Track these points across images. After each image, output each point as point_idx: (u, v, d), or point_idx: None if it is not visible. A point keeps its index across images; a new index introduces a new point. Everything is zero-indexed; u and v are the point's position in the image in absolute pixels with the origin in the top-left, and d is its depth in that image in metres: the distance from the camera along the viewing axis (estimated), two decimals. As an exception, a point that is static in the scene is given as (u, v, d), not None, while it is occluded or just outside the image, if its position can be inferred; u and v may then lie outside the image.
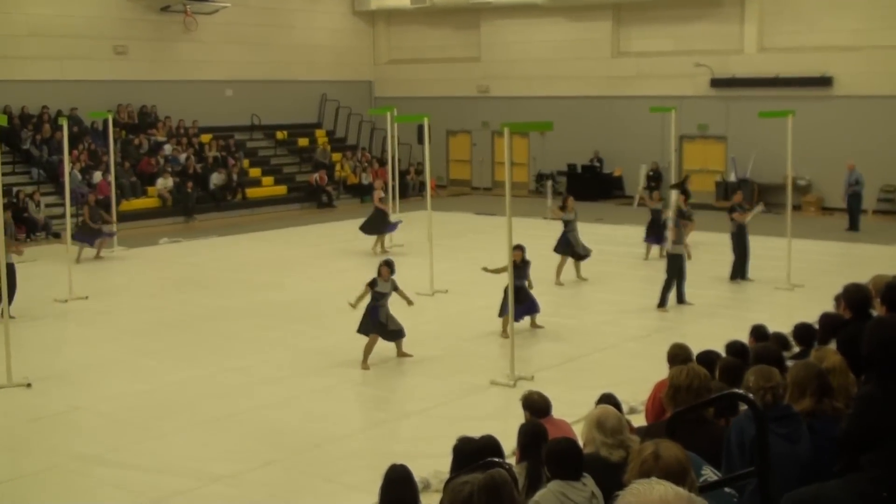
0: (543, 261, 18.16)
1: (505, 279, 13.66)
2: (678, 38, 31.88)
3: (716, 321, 15.52)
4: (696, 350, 8.62)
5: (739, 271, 18.92)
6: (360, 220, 23.82)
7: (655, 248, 21.19)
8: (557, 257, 19.01)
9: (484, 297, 17.36)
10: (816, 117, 27.85)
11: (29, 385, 12.84)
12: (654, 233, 21.25)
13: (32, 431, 11.30)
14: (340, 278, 20.09)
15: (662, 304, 16.53)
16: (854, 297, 7.55)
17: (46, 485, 9.82)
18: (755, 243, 19.38)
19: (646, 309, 16.73)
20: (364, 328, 13.68)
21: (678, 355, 8.20)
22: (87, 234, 21.94)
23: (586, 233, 19.60)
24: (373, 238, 23.19)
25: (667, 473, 3.68)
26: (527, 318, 15.30)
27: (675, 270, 16.62)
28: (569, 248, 18.97)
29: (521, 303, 14.36)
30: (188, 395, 12.48)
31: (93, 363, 14.12)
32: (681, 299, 16.86)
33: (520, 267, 14.53)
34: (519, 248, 14.57)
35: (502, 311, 14.62)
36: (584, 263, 19.29)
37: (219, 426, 11.31)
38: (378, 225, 23.14)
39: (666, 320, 16.03)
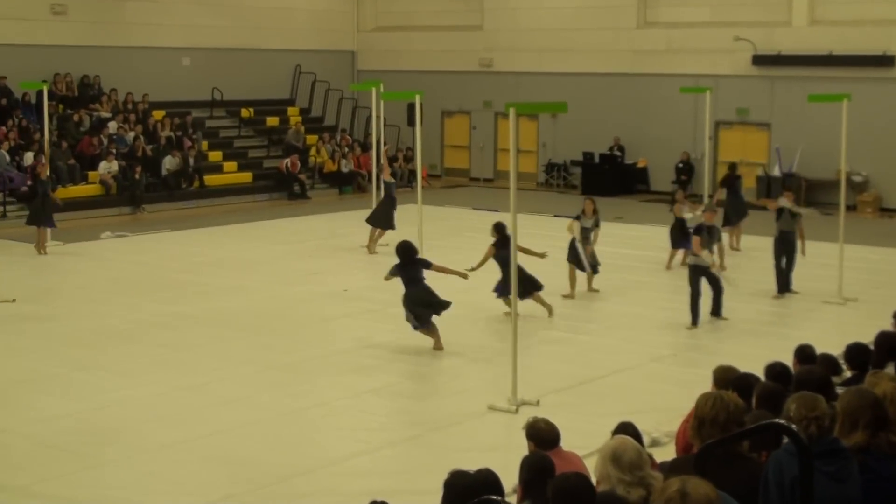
0: (555, 266, 18.19)
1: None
2: (715, 7, 31.93)
3: (755, 340, 15.54)
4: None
5: (783, 283, 18.83)
6: (339, 214, 23.87)
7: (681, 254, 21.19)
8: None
9: (482, 308, 17.38)
10: (876, 102, 27.93)
11: (-55, 402, 12.83)
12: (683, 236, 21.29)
13: (-51, 457, 11.30)
14: (315, 282, 20.12)
15: (693, 321, 16.55)
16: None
17: (-36, 520, 9.81)
18: (806, 249, 19.38)
19: (672, 324, 16.76)
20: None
21: (728, 379, 8.22)
22: (48, 217, 22.18)
23: (603, 233, 19.58)
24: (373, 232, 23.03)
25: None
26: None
27: (696, 283, 16.58)
28: (575, 259, 18.78)
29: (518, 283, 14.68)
30: (133, 418, 12.46)
31: (20, 378, 14.08)
32: (715, 311, 16.92)
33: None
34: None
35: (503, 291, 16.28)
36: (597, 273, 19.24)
37: (169, 454, 11.30)
38: (388, 217, 22.89)
39: (695, 338, 16.07)
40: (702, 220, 17.34)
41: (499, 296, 16.99)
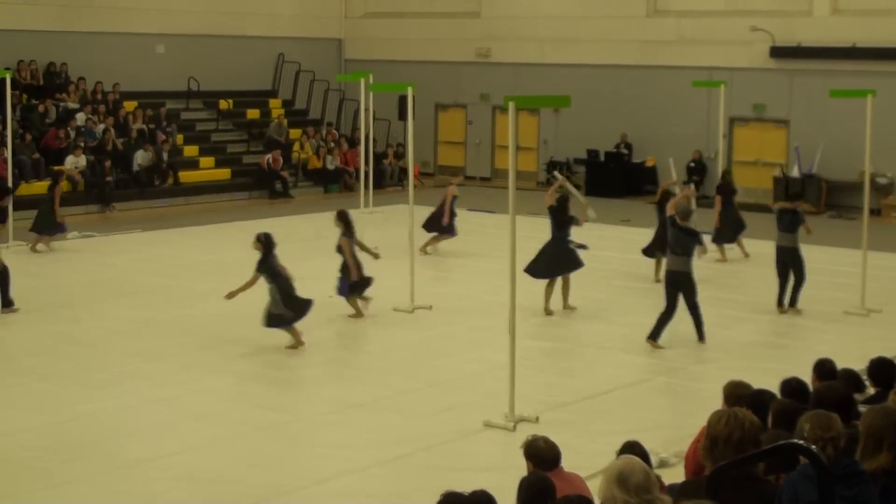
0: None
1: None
2: (731, -5, 32.02)
3: (770, 353, 15.56)
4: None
5: (792, 295, 18.43)
6: (324, 215, 23.76)
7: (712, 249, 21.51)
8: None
9: (478, 316, 17.39)
10: (903, 98, 27.96)
11: None
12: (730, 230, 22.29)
13: None
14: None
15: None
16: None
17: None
18: (820, 255, 19.42)
19: (681, 336, 16.77)
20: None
21: (739, 396, 8.22)
22: (52, 225, 22.57)
23: (609, 237, 19.63)
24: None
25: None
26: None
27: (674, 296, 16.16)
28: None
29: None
30: (101, 432, 12.45)
31: (-21, 388, 14.08)
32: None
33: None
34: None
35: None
36: (593, 280, 19.17)
37: (139, 472, 11.30)
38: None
39: (706, 351, 16.06)
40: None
41: (341, 294, 17.80)
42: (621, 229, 25.66)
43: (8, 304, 17.88)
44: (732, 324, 17.52)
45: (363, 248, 18.20)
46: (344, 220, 18.04)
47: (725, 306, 18.44)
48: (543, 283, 17.93)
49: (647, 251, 20.64)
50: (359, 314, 17.78)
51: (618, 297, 19.39)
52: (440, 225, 23.06)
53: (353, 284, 17.79)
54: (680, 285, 15.88)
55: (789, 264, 18.16)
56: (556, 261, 18.03)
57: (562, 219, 18.15)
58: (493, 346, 15.45)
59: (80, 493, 10.77)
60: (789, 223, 18.21)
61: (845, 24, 30.01)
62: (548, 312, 17.93)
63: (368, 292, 17.83)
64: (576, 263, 18.13)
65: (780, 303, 18.23)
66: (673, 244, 15.98)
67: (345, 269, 17.82)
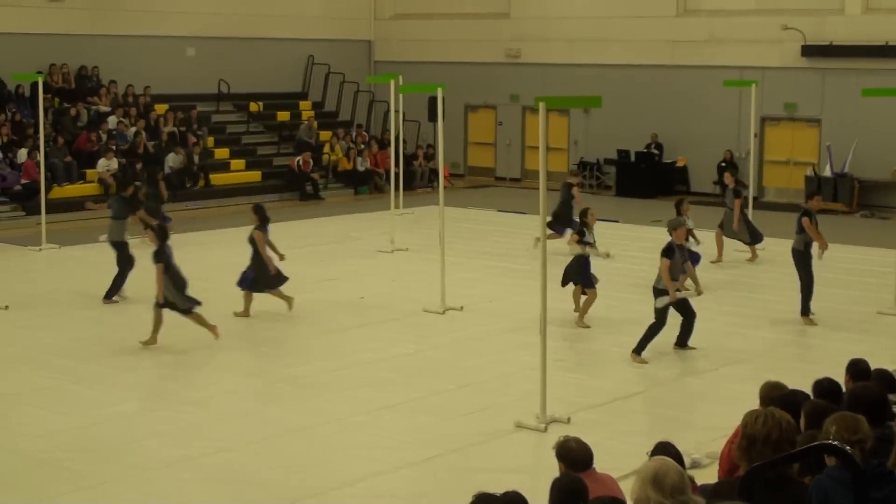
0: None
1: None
2: (762, -6, 31.90)
3: (802, 353, 15.48)
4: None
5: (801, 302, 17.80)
6: (354, 216, 23.87)
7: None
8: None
9: (508, 317, 17.36)
10: (936, 97, 27.78)
11: (-68, 416, 12.89)
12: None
13: (-65, 475, 11.34)
14: (328, 289, 20.14)
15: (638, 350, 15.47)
16: None
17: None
18: (852, 255, 19.30)
19: (712, 335, 16.70)
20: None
21: (774, 398, 8.17)
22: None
23: (640, 238, 19.55)
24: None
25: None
26: None
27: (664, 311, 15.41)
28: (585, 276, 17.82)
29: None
30: (133, 434, 12.50)
31: (11, 391, 14.14)
32: (681, 342, 15.89)
33: None
34: None
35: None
36: (623, 281, 19.05)
37: (170, 473, 11.33)
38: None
39: (738, 352, 15.99)
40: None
41: (243, 289, 17.97)
42: (651, 230, 25.56)
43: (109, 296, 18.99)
44: (762, 325, 17.44)
45: (271, 245, 18.31)
46: (259, 214, 18.34)
47: (756, 306, 18.36)
48: (571, 287, 17.86)
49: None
50: (246, 313, 17.94)
51: (647, 297, 19.29)
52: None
53: (266, 280, 17.97)
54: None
55: (796, 267, 17.71)
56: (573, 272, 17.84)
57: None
58: (523, 347, 15.41)
59: (114, 494, 10.81)
60: (797, 222, 17.89)
61: (877, 22, 29.85)
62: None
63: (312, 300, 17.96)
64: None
65: (801, 311, 17.64)
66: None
67: (256, 262, 18.00)
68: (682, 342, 15.74)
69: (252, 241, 18.13)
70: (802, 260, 17.57)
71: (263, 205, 18.96)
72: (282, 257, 18.30)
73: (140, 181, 22.84)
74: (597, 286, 17.31)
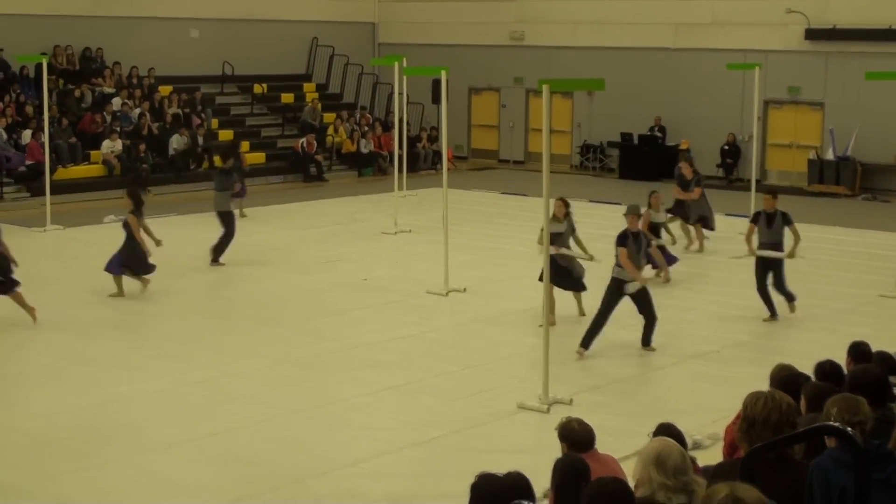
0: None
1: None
2: (765, -23, 31.81)
3: (804, 336, 15.48)
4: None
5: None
6: (358, 198, 23.83)
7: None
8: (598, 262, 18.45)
9: (511, 299, 17.36)
10: (939, 80, 27.72)
11: (-63, 396, 12.92)
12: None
13: (-60, 454, 11.37)
14: (332, 271, 20.15)
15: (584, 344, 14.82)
16: None
17: (-44, 522, 9.87)
18: (854, 237, 19.21)
19: (714, 317, 16.70)
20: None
21: (783, 379, 8.17)
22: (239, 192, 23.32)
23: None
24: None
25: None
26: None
27: (611, 300, 14.73)
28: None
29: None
30: (136, 414, 12.52)
31: (15, 371, 14.17)
32: (645, 340, 15.16)
33: None
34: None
35: None
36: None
37: (174, 454, 11.34)
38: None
39: (743, 333, 16.00)
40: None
41: (108, 270, 17.94)
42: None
43: (215, 259, 20.48)
44: (764, 306, 17.43)
45: (146, 230, 18.29)
46: (134, 198, 18.31)
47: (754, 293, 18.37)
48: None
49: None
50: (120, 293, 17.94)
51: (651, 280, 19.31)
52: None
53: (136, 263, 18.01)
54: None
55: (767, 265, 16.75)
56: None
57: None
58: (526, 328, 15.42)
59: (117, 474, 10.83)
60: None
61: (881, 5, 29.76)
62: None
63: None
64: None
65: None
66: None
67: (128, 246, 18.00)
68: (645, 341, 14.99)
69: (126, 225, 18.04)
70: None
71: (138, 189, 19.31)
72: (158, 243, 18.32)
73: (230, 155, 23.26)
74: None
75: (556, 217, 15.98)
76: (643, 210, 17.02)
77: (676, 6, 33.13)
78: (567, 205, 16.44)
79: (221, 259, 20.41)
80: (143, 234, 18.06)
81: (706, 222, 21.55)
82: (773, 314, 16.54)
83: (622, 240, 14.67)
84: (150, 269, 18.05)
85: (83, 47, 31.87)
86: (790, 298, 16.70)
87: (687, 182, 21.53)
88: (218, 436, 11.85)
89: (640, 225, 15.35)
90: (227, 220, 20.81)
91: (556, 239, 15.58)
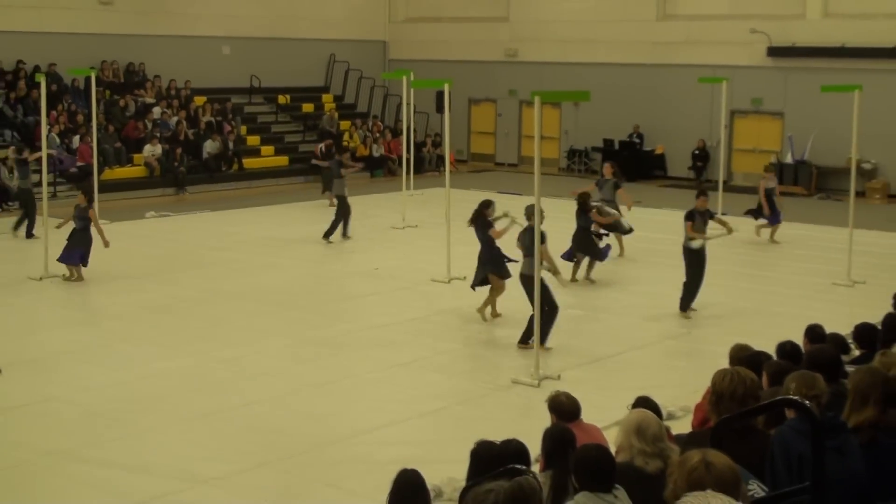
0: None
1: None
2: (732, 1, 31.71)
3: (766, 319, 15.45)
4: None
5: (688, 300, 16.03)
6: (371, 196, 23.75)
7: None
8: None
9: (507, 285, 17.34)
10: (886, 93, 27.67)
11: (-2, 371, 12.91)
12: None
13: None
14: (346, 261, 20.15)
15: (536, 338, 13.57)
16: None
17: (12, 483, 9.84)
18: (811, 232, 19.19)
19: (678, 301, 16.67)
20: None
21: (741, 358, 8.16)
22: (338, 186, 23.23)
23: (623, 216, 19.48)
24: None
25: (719, 484, 3.66)
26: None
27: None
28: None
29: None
30: (173, 388, 12.51)
31: (67, 349, 14.16)
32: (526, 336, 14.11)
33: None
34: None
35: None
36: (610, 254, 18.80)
37: (206, 423, 11.34)
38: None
39: (712, 316, 15.97)
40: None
41: (61, 259, 17.75)
42: (633, 210, 25.51)
43: (345, 234, 21.84)
44: (732, 293, 17.42)
45: (96, 222, 18.23)
46: (88, 195, 18.62)
47: (728, 277, 18.34)
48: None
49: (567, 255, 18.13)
50: (79, 278, 17.97)
51: (631, 270, 19.31)
52: (764, 214, 22.03)
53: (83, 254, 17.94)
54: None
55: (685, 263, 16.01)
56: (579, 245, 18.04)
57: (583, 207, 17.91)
58: (520, 311, 15.39)
59: (157, 440, 10.82)
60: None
61: (835, 25, 29.71)
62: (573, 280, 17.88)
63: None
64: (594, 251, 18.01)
65: (680, 306, 16.02)
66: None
67: (82, 236, 17.91)
68: (541, 336, 13.43)
69: (85, 218, 17.98)
70: (689, 258, 15.90)
71: (91, 186, 19.66)
72: (105, 241, 18.20)
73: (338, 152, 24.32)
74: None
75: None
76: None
77: (653, 27, 33.06)
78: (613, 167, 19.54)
79: (331, 238, 21.54)
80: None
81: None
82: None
83: (689, 216, 15.74)
84: (85, 262, 18.03)
85: (127, 62, 31.83)
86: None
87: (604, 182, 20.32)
88: (245, 407, 11.84)
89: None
90: (343, 202, 21.74)
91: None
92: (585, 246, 18.06)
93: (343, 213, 21.86)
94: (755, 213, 22.18)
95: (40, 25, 29.64)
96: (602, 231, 18.52)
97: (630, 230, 19.55)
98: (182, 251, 21.02)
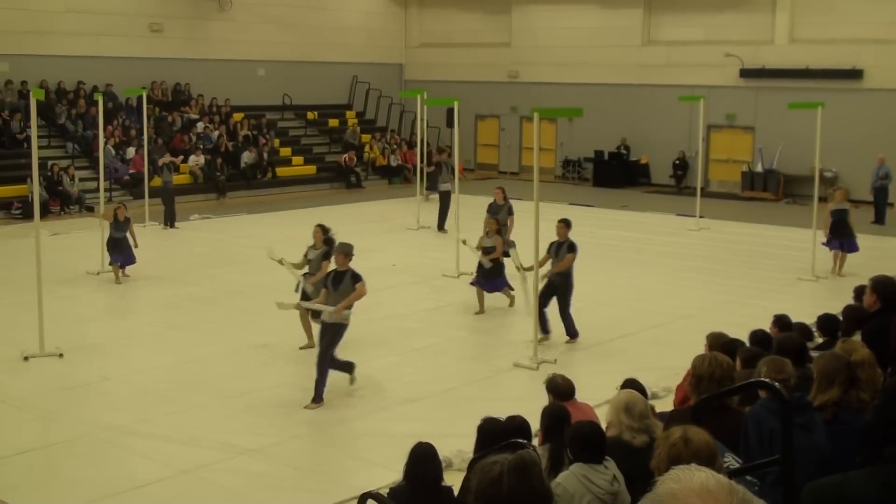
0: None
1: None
2: (709, 28, 31.61)
3: (740, 310, 15.42)
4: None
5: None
6: (389, 201, 23.74)
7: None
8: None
9: (510, 280, 17.31)
10: (845, 110, 27.57)
11: (61, 355, 12.93)
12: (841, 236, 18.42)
13: (63, 401, 11.38)
14: (368, 258, 20.07)
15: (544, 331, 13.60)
16: (887, 289, 7.48)
17: (76, 453, 9.89)
18: (778, 233, 19.06)
19: (668, 296, 16.65)
20: None
21: (718, 345, 8.13)
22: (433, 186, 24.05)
23: (611, 219, 19.47)
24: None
25: (696, 457, 3.65)
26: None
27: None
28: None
29: None
30: (215, 370, 12.54)
31: (123, 335, 14.21)
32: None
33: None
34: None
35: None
36: (599, 251, 18.76)
37: (244, 401, 11.35)
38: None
39: (690, 308, 15.94)
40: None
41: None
42: (621, 213, 25.52)
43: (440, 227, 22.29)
44: (708, 287, 17.40)
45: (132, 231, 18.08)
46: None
47: (705, 273, 18.31)
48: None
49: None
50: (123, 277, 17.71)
51: (618, 266, 19.27)
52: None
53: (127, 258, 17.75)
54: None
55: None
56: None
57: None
58: (519, 307, 15.35)
59: (200, 416, 10.85)
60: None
61: (801, 50, 29.62)
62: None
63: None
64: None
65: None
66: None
67: (121, 244, 17.70)
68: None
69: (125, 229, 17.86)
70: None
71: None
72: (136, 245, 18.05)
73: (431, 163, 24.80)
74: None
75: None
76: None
77: (638, 51, 32.98)
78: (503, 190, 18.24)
79: (445, 226, 21.97)
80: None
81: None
82: (546, 332, 13.70)
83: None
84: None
85: (175, 83, 31.86)
86: (571, 333, 13.88)
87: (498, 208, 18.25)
88: (278, 388, 11.86)
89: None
90: (444, 198, 22.21)
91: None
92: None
93: (446, 207, 22.32)
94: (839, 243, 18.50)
95: (98, 50, 29.71)
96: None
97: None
98: (222, 249, 21.05)
